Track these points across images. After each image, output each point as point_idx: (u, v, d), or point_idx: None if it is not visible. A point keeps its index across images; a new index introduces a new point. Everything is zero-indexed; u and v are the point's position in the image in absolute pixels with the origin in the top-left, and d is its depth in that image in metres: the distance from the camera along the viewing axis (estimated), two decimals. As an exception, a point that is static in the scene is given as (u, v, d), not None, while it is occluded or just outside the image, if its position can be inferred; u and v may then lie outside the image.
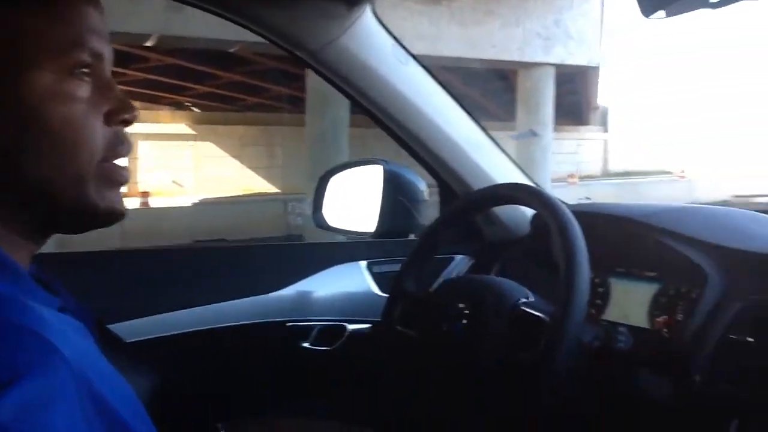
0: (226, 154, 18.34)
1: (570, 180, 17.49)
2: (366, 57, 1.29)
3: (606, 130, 25.73)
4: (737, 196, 15.89)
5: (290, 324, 1.50)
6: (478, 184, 1.46)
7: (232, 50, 11.48)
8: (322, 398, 1.54)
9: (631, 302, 1.23)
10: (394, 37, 1.34)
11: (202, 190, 17.07)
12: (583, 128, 21.79)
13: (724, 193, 16.51)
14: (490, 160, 1.51)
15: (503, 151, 1.56)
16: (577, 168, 19.77)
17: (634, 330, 1.13)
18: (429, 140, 1.44)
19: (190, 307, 1.44)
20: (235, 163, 18.43)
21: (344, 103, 10.05)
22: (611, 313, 1.24)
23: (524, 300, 1.03)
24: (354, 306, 1.55)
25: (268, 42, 1.27)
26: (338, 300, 1.57)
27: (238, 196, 16.60)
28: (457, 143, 1.46)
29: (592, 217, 1.08)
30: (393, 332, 1.19)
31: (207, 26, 8.38)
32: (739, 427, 0.91)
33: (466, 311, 1.06)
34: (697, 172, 22.38)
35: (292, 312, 1.52)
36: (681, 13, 0.84)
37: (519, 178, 1.54)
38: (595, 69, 16.79)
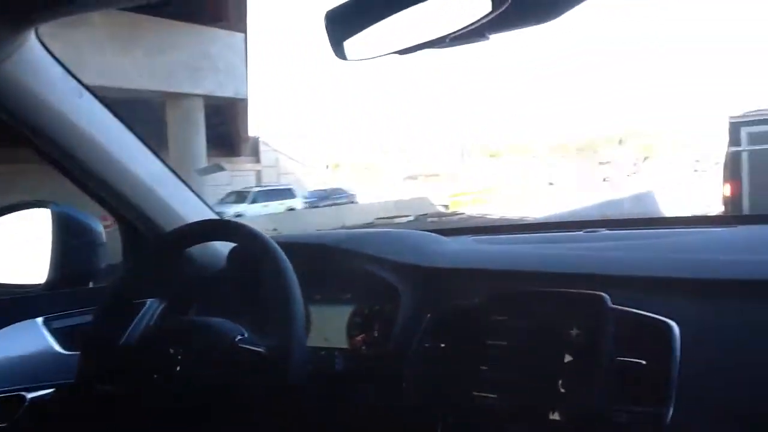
0: None
1: (229, 211, 17.66)
2: (33, 87, 1.14)
3: (258, 161, 26.71)
4: (379, 219, 18.02)
5: None
6: (167, 222, 1.39)
7: None
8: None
9: (329, 325, 1.29)
10: (65, 67, 1.22)
11: None
12: (236, 159, 22.25)
13: (371, 216, 18.56)
14: (176, 195, 1.46)
15: (188, 185, 1.52)
16: (233, 199, 20.07)
17: (336, 351, 1.21)
18: (109, 177, 1.34)
19: None
20: None
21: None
22: (312, 338, 1.30)
23: (240, 337, 1.01)
24: (32, 370, 1.34)
25: None
26: (10, 366, 1.34)
27: None
28: (141, 179, 1.38)
29: (289, 247, 1.12)
30: (91, 392, 1.06)
31: None
32: (443, 425, 1.02)
33: (179, 357, 1.00)
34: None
35: None
36: (374, 57, 0.93)
37: (207, 212, 1.52)
38: (244, 101, 17.33)
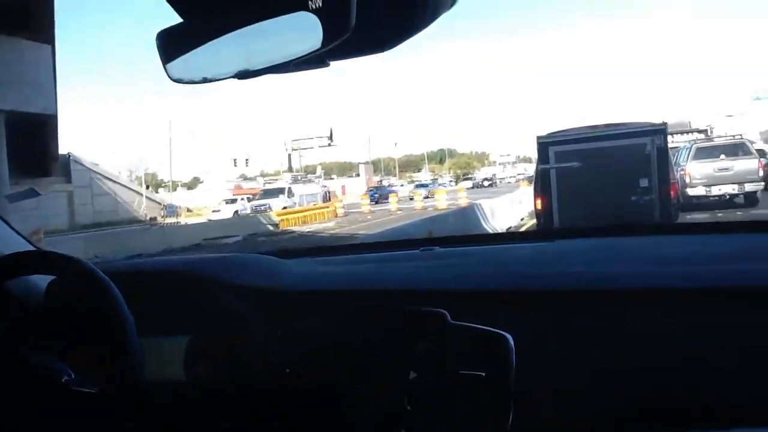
0: None
1: (35, 237, 16.16)
2: None
3: (70, 181, 24.77)
4: (206, 240, 17.47)
5: None
6: None
7: None
8: None
9: (167, 357, 1.22)
10: None
11: None
12: (45, 180, 20.46)
13: (197, 237, 17.93)
14: None
15: (-8, 213, 1.37)
16: (42, 223, 18.42)
17: (174, 384, 1.14)
18: None
19: None
20: None
21: None
22: (151, 372, 1.22)
23: (68, 378, 0.93)
24: None
25: None
26: None
27: None
28: None
29: (120, 276, 1.05)
30: None
31: None
32: None
33: None
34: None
35: None
36: (209, 79, 0.90)
37: (20, 243, 1.38)
38: (53, 117, 16.05)
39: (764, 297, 0.96)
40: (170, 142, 44.59)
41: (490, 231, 11.08)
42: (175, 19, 0.91)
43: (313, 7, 0.79)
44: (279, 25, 0.83)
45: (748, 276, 1.01)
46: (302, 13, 0.81)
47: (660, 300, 1.01)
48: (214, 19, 0.90)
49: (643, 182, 7.97)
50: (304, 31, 0.81)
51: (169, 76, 0.91)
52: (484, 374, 0.94)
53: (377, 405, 0.98)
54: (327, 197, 34.81)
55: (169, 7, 0.90)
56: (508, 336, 0.96)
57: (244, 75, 0.88)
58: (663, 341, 0.97)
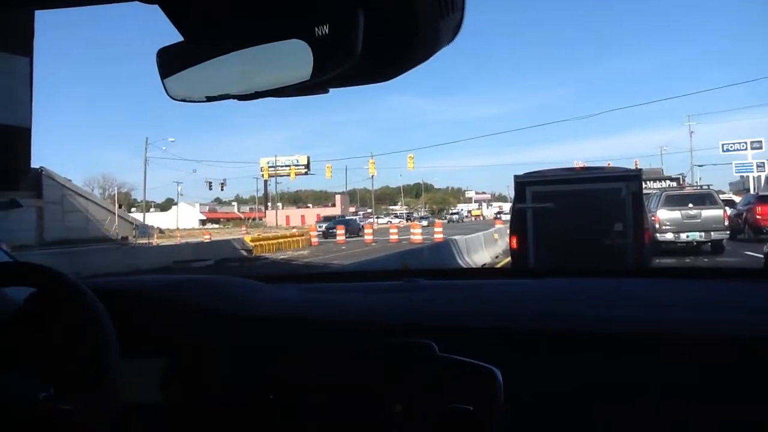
0: None
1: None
2: None
3: (40, 196, 24.36)
4: (177, 262, 17.20)
5: None
6: None
7: None
8: None
9: (145, 379, 1.19)
10: None
11: None
12: (13, 194, 20.08)
13: (169, 259, 17.67)
14: None
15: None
16: (8, 237, 18.04)
17: (150, 407, 1.12)
18: None
19: None
20: None
21: None
22: (126, 393, 1.18)
23: (45, 394, 0.89)
24: None
25: None
26: None
27: None
28: None
29: (100, 293, 1.02)
30: None
31: None
32: None
33: None
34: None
35: None
36: (209, 98, 0.89)
37: None
38: (26, 130, 15.81)
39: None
40: (146, 162, 44.27)
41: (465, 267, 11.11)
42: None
43: (319, 33, 0.79)
44: (281, 50, 0.83)
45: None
46: (306, 39, 0.81)
47: (651, 345, 1.01)
48: (216, 39, 0.89)
49: (618, 226, 8.02)
50: (306, 57, 0.81)
51: (168, 94, 0.91)
52: (471, 408, 0.93)
53: None
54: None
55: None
56: (497, 370, 0.95)
57: (243, 96, 0.88)
58: (651, 386, 0.96)
